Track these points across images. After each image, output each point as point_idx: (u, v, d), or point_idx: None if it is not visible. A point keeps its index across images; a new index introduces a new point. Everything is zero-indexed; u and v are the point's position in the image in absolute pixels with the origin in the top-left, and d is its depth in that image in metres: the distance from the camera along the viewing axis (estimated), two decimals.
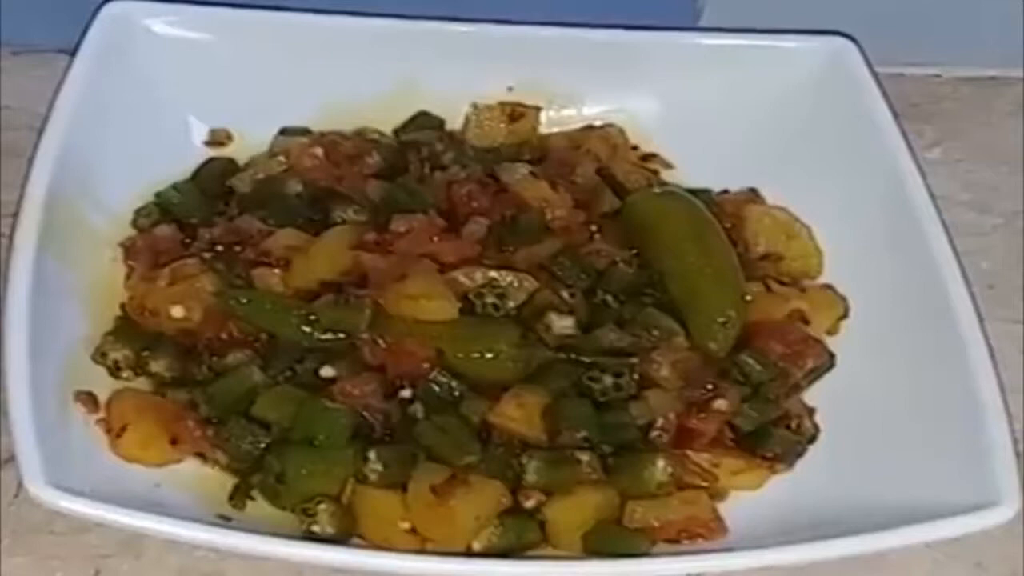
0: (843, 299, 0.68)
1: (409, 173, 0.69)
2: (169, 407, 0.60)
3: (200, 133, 0.70)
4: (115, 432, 0.59)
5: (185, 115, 0.70)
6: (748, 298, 0.66)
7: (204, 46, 0.69)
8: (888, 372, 0.64)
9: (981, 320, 0.62)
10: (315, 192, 0.67)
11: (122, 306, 0.64)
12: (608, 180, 0.69)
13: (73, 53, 0.66)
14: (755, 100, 0.72)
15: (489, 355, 0.61)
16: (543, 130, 0.73)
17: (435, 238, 0.64)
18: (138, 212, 0.67)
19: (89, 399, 0.60)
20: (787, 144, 0.71)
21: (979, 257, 0.71)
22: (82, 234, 0.64)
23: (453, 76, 0.70)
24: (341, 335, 0.61)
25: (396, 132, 0.71)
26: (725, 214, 0.70)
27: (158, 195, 0.68)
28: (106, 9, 0.67)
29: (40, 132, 0.63)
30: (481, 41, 0.71)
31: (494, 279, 0.63)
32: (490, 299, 0.62)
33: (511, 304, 0.63)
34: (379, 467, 0.58)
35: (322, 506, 0.57)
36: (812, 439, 0.63)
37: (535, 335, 0.62)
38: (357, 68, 0.70)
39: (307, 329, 0.61)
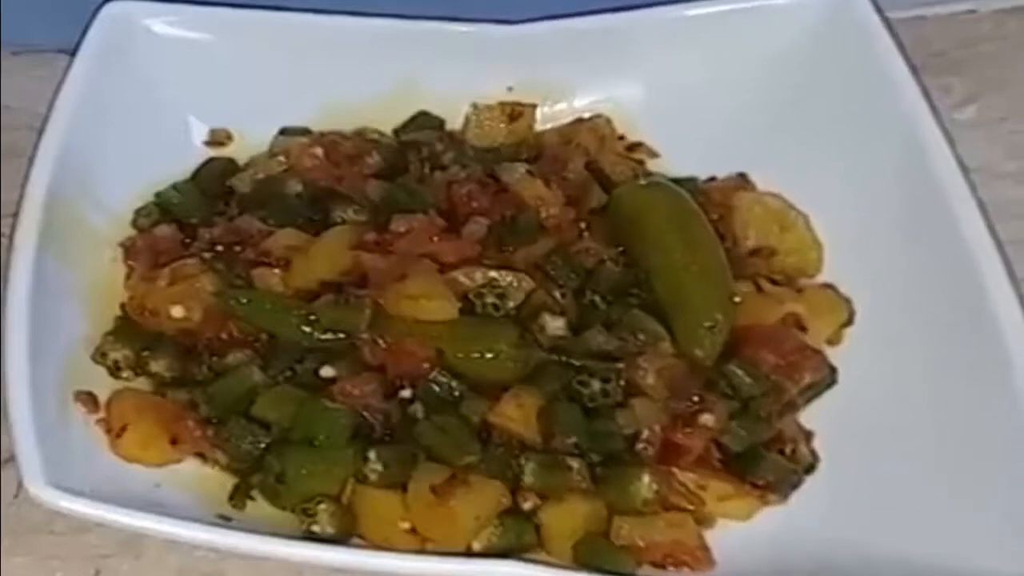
0: (847, 302, 0.62)
1: (409, 173, 0.69)
2: (169, 407, 0.60)
3: (200, 133, 0.70)
4: (115, 432, 0.59)
5: (185, 115, 0.70)
6: (737, 299, 0.62)
7: (204, 46, 0.69)
8: (904, 394, 0.57)
9: None
10: (315, 192, 0.67)
11: (122, 306, 0.64)
12: (596, 174, 0.68)
13: (73, 53, 0.66)
14: (744, 72, 0.67)
15: (489, 355, 0.61)
16: (538, 127, 0.72)
17: (435, 238, 0.64)
18: (138, 212, 0.67)
19: (89, 399, 0.60)
20: (781, 118, 0.66)
21: None
22: (82, 234, 0.64)
23: (453, 76, 0.70)
24: (341, 335, 0.61)
25: (396, 132, 0.71)
26: (713, 203, 0.66)
27: (158, 195, 0.68)
28: (106, 9, 0.67)
29: (40, 132, 0.63)
30: (481, 41, 0.71)
31: (494, 279, 0.63)
32: (490, 299, 0.62)
33: (511, 304, 0.62)
34: (379, 467, 0.58)
35: (322, 506, 0.57)
36: (809, 469, 0.59)
37: (531, 335, 0.62)
38: (357, 68, 0.70)
39: (307, 329, 0.61)
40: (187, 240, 0.66)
